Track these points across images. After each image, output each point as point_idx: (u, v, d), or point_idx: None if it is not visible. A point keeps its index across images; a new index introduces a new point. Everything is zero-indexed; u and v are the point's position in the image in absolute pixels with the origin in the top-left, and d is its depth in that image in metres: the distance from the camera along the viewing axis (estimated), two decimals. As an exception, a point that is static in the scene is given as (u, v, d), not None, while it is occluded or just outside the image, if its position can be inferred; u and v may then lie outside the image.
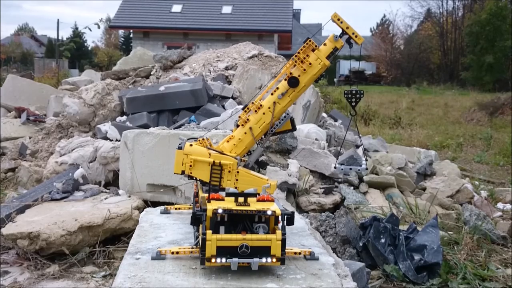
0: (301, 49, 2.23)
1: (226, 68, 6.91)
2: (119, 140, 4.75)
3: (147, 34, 24.60)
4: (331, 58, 2.25)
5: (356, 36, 2.23)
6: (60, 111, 6.75)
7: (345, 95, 2.32)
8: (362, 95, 2.32)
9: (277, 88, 2.25)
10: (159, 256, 1.98)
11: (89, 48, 53.63)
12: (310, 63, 2.21)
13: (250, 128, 2.24)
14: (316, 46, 2.24)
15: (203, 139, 2.28)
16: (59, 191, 4.24)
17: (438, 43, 39.83)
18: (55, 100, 7.33)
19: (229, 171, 2.14)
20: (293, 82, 2.20)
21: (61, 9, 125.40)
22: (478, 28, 30.26)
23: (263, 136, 2.32)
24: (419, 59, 39.21)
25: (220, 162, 2.14)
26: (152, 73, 7.16)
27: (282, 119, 2.31)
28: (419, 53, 39.18)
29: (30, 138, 6.55)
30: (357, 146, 5.94)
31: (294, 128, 2.38)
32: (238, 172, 2.15)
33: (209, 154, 2.17)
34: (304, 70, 2.21)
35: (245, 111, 2.29)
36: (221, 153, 2.20)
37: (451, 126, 14.31)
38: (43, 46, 50.27)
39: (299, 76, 2.22)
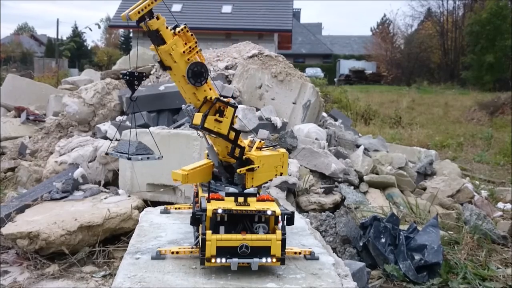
0: None
1: (226, 68, 6.89)
2: (119, 140, 4.75)
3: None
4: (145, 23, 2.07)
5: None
6: (60, 111, 6.75)
7: (124, 77, 2.08)
8: (144, 77, 2.14)
9: None
10: (159, 256, 1.97)
11: (89, 48, 53.60)
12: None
13: None
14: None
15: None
16: (58, 190, 4.24)
17: (439, 42, 39.79)
18: (55, 99, 7.33)
19: None
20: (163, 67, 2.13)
21: (45, 6, 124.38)
22: (478, 27, 30.22)
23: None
24: (419, 58, 39.18)
25: None
26: (152, 72, 7.15)
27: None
28: (419, 53, 39.14)
29: (29, 137, 6.54)
30: (357, 146, 5.93)
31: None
32: None
33: None
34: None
35: None
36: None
37: (451, 125, 14.30)
38: (43, 46, 50.23)
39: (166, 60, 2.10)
